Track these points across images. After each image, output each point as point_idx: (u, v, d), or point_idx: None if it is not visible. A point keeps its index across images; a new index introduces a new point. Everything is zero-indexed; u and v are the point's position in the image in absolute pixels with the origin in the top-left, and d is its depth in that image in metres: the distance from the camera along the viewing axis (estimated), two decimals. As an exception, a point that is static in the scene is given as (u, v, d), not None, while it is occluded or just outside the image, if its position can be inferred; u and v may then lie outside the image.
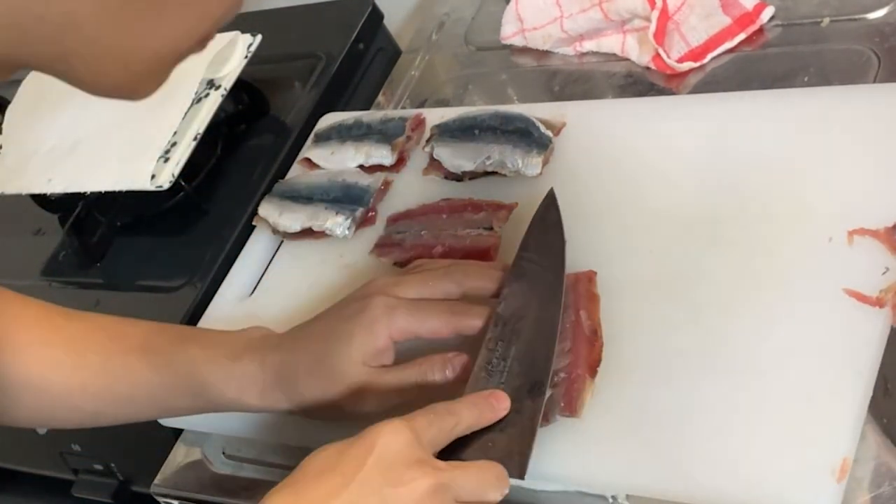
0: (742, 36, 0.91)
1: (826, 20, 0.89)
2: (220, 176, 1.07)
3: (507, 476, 0.63)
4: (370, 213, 0.92)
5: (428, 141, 0.93)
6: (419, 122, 0.97)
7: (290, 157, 1.03)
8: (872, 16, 0.87)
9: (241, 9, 0.56)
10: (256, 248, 0.97)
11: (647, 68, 0.94)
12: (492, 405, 0.66)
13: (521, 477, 0.64)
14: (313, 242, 0.93)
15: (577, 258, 0.76)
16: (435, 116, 0.96)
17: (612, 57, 0.98)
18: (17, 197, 1.10)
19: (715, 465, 0.64)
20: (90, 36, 0.50)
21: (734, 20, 0.91)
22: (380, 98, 1.11)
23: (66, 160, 1.06)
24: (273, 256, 0.96)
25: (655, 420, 0.67)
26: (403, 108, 1.07)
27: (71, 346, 0.77)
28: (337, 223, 0.91)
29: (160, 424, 0.91)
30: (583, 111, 0.90)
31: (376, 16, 1.15)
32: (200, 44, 0.55)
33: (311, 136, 1.03)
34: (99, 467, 1.03)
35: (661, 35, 0.91)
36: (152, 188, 0.98)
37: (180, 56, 0.55)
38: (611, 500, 0.68)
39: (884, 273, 0.67)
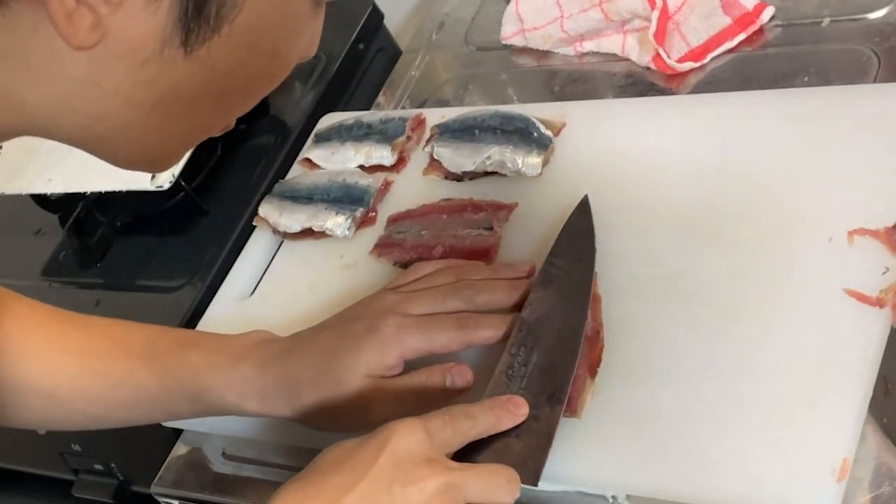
0: (742, 36, 0.91)
1: (826, 20, 0.89)
2: (220, 176, 1.07)
3: (518, 480, 0.62)
4: (370, 214, 0.92)
5: (428, 141, 0.93)
6: (419, 123, 0.97)
7: (290, 158, 1.03)
8: (873, 16, 0.87)
9: None
10: (256, 248, 0.97)
11: (648, 68, 0.94)
12: (510, 410, 0.66)
13: (535, 484, 0.64)
14: (313, 242, 0.93)
15: (577, 258, 0.76)
16: (435, 116, 0.96)
17: (612, 57, 0.98)
18: (17, 197, 1.10)
19: (715, 465, 0.64)
20: (119, 129, 0.54)
21: (734, 20, 0.91)
22: (380, 98, 1.10)
23: (66, 160, 1.06)
24: (273, 256, 0.96)
25: (655, 420, 0.67)
26: (403, 108, 1.07)
27: (75, 350, 0.77)
28: (337, 223, 0.91)
29: (160, 424, 0.91)
30: (583, 111, 0.90)
31: (376, 16, 1.15)
32: (221, 132, 0.58)
33: (312, 136, 1.03)
34: (99, 467, 1.03)
35: (661, 35, 0.91)
36: (152, 188, 0.98)
37: (201, 140, 0.58)
38: (611, 500, 0.68)
39: (884, 273, 0.67)
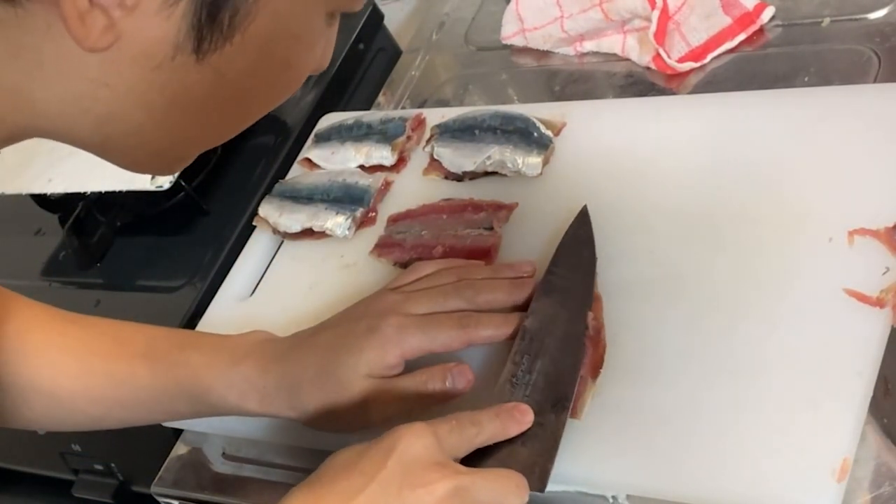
0: (742, 36, 0.91)
1: (826, 20, 0.89)
2: (220, 176, 1.07)
3: (527, 485, 0.62)
4: (370, 214, 0.92)
5: (428, 141, 0.93)
6: (419, 122, 0.97)
7: (290, 157, 1.03)
8: (873, 16, 0.87)
9: None
10: (257, 248, 0.97)
11: (648, 68, 0.94)
12: (515, 417, 0.66)
13: (541, 490, 0.64)
14: (314, 242, 0.93)
15: (577, 258, 0.76)
16: (435, 116, 0.96)
17: (612, 57, 0.98)
18: (17, 197, 1.10)
19: (715, 466, 0.64)
20: (130, 131, 0.54)
21: (734, 20, 0.91)
22: (380, 98, 1.10)
23: (66, 160, 1.06)
24: (273, 257, 0.96)
25: (655, 420, 0.67)
26: (404, 108, 1.07)
27: (76, 351, 0.77)
28: (337, 223, 0.91)
29: (160, 424, 0.91)
30: (583, 111, 0.90)
31: (376, 16, 1.15)
32: (232, 136, 0.59)
33: (312, 136, 1.03)
34: (99, 467, 1.03)
35: (661, 35, 0.91)
36: (152, 188, 0.98)
37: (212, 146, 0.59)
38: (611, 500, 0.68)
39: (884, 273, 0.67)
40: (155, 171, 0.61)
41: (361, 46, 1.13)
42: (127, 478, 1.02)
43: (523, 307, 0.74)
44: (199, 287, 0.98)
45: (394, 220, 0.90)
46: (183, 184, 1.03)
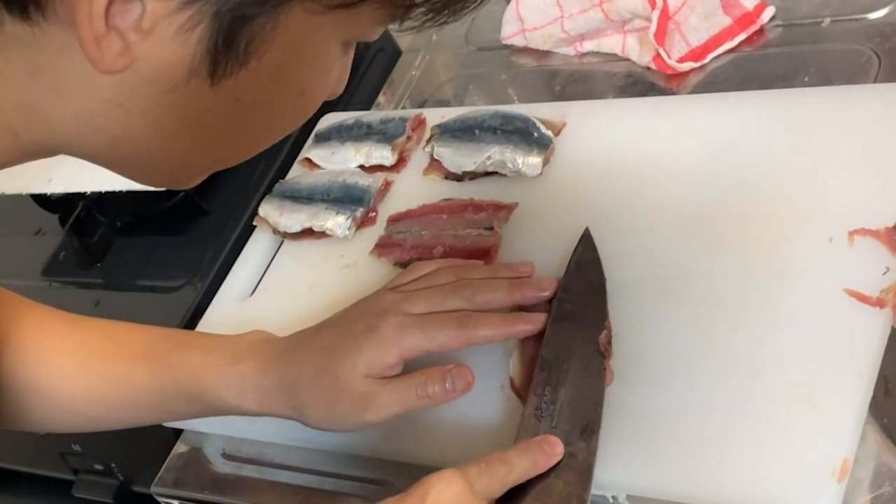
0: (742, 36, 0.91)
1: (826, 20, 0.89)
2: (220, 176, 1.06)
3: None
4: (371, 214, 0.92)
5: (428, 141, 0.93)
6: (419, 123, 0.97)
7: (290, 157, 1.03)
8: (873, 16, 0.87)
9: None
10: (257, 248, 0.97)
11: (648, 68, 0.94)
12: (544, 451, 0.65)
13: None
14: (314, 242, 0.93)
15: (577, 258, 0.76)
16: (435, 116, 0.96)
17: (612, 57, 0.97)
18: (17, 197, 1.10)
19: (715, 466, 0.64)
20: (144, 151, 0.55)
21: (735, 20, 0.91)
22: (380, 98, 1.10)
23: (66, 160, 1.05)
24: (273, 256, 0.96)
25: (656, 420, 0.67)
26: (404, 108, 1.07)
27: (76, 352, 0.77)
28: (337, 223, 0.91)
29: (160, 424, 0.91)
30: (583, 111, 0.90)
31: (376, 16, 1.15)
32: (246, 158, 0.59)
33: (312, 136, 1.03)
34: (99, 467, 1.03)
35: (661, 35, 0.91)
36: (152, 188, 0.98)
37: (226, 167, 0.60)
38: (611, 500, 0.68)
39: (884, 273, 0.67)
40: (169, 186, 0.62)
41: (361, 46, 1.13)
42: (127, 478, 1.02)
43: (525, 308, 0.74)
44: (199, 287, 0.98)
45: (394, 220, 0.90)
46: (183, 184, 1.03)
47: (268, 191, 0.99)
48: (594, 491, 0.68)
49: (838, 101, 0.78)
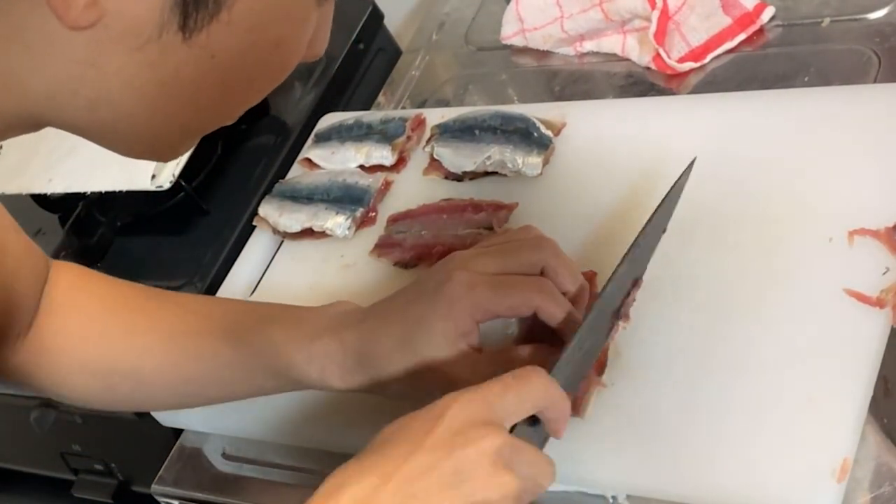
0: (742, 36, 0.91)
1: (826, 20, 0.89)
2: (220, 176, 1.07)
3: (555, 474, 0.60)
4: (371, 214, 0.92)
5: (428, 141, 0.93)
6: (419, 123, 0.97)
7: (290, 157, 1.03)
8: (873, 16, 0.87)
9: None
10: (257, 248, 0.97)
11: (648, 68, 0.94)
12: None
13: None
14: (314, 242, 0.93)
15: (577, 259, 0.76)
16: (435, 116, 0.96)
17: (612, 57, 0.98)
18: (17, 197, 1.10)
19: (715, 466, 0.64)
20: (123, 115, 0.53)
21: (734, 20, 0.91)
22: (380, 98, 1.11)
23: (66, 160, 1.06)
24: (273, 256, 0.96)
25: (656, 420, 0.67)
26: (403, 108, 1.07)
27: (161, 330, 0.77)
28: (337, 223, 0.91)
29: (160, 424, 0.91)
30: (583, 111, 0.90)
31: (376, 16, 1.15)
32: (230, 121, 0.58)
33: (312, 136, 1.03)
34: (99, 467, 1.03)
35: (661, 35, 0.91)
36: (152, 188, 0.98)
37: (209, 131, 0.58)
38: (611, 500, 0.68)
39: (884, 273, 0.67)
40: (153, 158, 0.60)
41: (361, 46, 1.13)
42: (127, 478, 1.02)
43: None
44: (199, 287, 0.98)
45: (394, 220, 0.90)
46: (183, 184, 1.03)
47: (268, 191, 0.99)
48: (594, 491, 0.68)
49: (838, 101, 0.78)
